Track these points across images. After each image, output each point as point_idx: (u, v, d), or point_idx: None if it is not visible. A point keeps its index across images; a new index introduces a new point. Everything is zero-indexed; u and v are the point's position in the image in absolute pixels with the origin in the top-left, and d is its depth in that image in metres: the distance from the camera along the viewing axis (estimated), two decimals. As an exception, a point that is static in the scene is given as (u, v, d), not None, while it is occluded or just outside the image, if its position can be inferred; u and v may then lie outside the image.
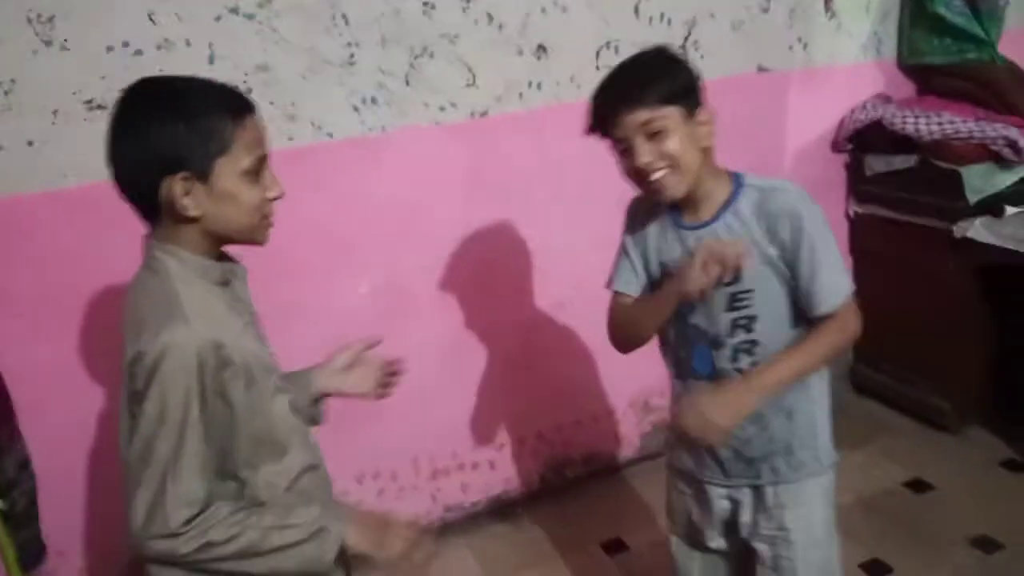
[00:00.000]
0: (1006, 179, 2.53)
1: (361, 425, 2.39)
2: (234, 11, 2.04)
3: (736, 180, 1.42)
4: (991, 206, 2.51)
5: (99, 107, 1.94)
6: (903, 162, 2.67)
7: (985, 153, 2.52)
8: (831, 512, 1.54)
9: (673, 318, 1.45)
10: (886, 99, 2.82)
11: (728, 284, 1.36)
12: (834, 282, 1.36)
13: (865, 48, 2.88)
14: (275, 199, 1.21)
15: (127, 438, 1.13)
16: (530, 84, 2.43)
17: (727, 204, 1.40)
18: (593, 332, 2.53)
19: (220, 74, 2.02)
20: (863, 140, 2.81)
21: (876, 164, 2.77)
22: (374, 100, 2.25)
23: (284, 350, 1.38)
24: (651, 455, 2.83)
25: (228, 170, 1.13)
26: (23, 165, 1.92)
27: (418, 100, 2.29)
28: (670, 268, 1.45)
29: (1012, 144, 2.48)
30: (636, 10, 2.49)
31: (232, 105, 1.14)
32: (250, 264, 1.33)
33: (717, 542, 1.60)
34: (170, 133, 1.09)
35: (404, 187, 2.33)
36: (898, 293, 2.80)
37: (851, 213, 2.94)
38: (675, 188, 1.37)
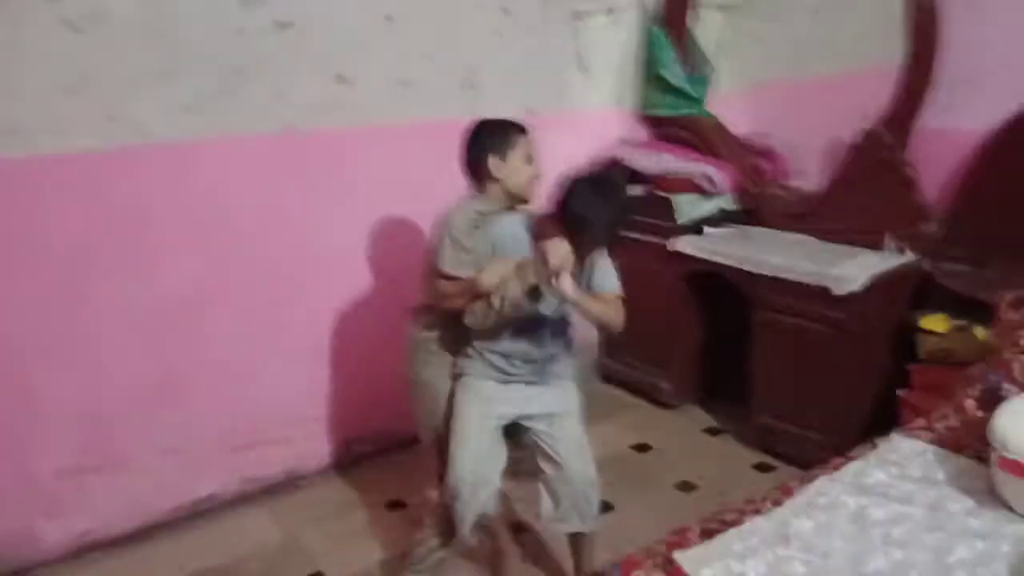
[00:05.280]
0: (707, 206, 3.26)
1: (167, 402, 2.66)
2: (63, 21, 2.30)
3: None
4: (696, 227, 3.24)
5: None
6: (635, 191, 3.35)
7: (691, 185, 3.24)
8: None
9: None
10: (626, 142, 3.51)
11: None
12: None
13: (610, 100, 3.56)
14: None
15: None
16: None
17: None
18: (381, 325, 2.94)
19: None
20: (607, 173, 3.47)
21: (615, 192, 3.44)
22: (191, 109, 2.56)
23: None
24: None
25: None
26: None
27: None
28: None
29: (710, 179, 3.21)
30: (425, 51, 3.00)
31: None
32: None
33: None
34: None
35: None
36: (632, 298, 3.45)
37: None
38: None
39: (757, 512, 1.74)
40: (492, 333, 2.08)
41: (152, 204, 2.54)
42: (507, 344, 2.10)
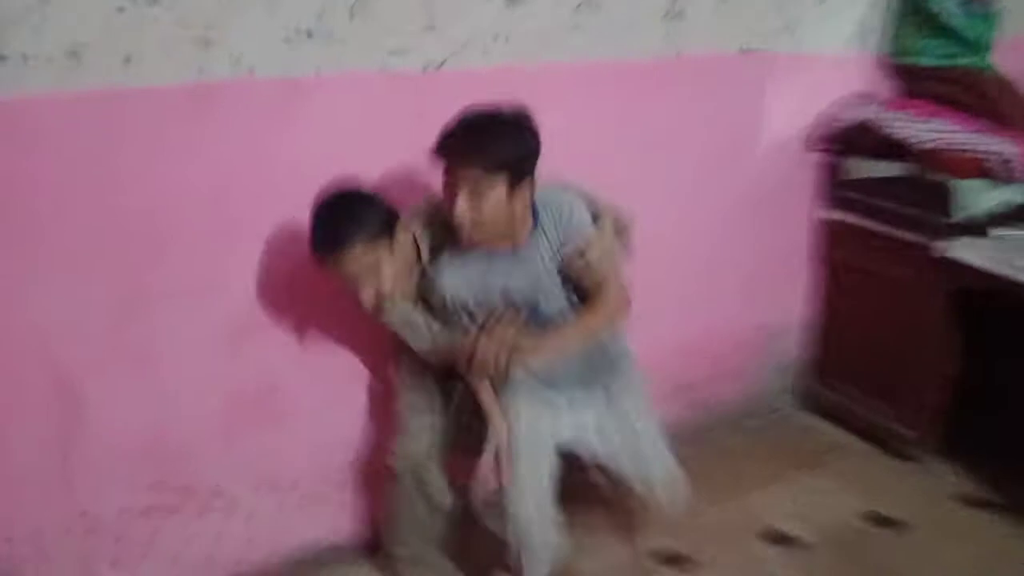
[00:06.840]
0: (995, 198, 2.36)
1: (260, 424, 2.03)
2: None
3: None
4: (975, 225, 2.34)
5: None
6: (888, 169, 2.47)
7: (977, 167, 2.33)
8: None
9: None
10: (870, 98, 2.60)
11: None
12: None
13: (851, 39, 2.64)
14: None
15: None
16: (496, 37, 2.06)
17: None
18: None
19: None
20: (844, 141, 2.58)
21: (857, 168, 2.56)
22: (309, 34, 1.83)
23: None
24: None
25: None
26: None
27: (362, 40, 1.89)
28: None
29: (1006, 162, 2.30)
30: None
31: None
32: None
33: None
34: None
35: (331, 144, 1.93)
36: (864, 309, 2.62)
37: (820, 218, 2.72)
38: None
39: None
40: None
41: (239, 169, 1.84)
42: None
